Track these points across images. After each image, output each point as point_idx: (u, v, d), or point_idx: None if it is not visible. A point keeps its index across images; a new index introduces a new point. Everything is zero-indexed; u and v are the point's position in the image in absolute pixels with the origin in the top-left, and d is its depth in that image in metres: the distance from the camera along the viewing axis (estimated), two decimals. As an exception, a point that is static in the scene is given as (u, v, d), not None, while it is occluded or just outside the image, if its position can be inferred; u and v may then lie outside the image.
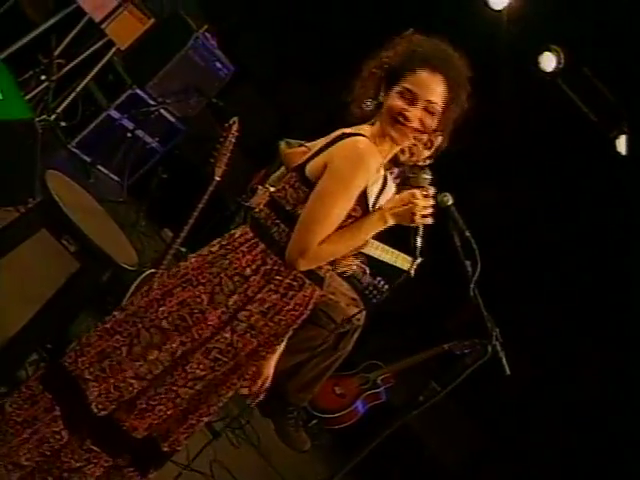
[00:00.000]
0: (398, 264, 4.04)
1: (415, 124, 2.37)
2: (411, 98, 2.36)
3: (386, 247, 3.51)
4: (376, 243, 3.57)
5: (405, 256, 4.02)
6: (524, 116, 6.49)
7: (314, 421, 4.94)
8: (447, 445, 6.23)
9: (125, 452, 2.50)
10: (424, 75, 2.37)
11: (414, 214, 2.35)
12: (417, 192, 2.36)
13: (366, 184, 2.34)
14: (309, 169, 2.35)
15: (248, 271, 2.36)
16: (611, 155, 6.10)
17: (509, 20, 6.17)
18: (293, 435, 3.72)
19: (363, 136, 2.35)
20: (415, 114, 2.36)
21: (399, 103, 2.37)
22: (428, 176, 2.42)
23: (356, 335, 3.75)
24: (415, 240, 2.44)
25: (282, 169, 3.82)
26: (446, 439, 6.21)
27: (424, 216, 2.37)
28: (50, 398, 2.44)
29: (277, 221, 2.38)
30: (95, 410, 2.38)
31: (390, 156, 2.47)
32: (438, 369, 3.63)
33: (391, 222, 2.39)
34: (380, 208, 2.40)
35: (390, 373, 5.13)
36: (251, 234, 2.40)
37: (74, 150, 5.69)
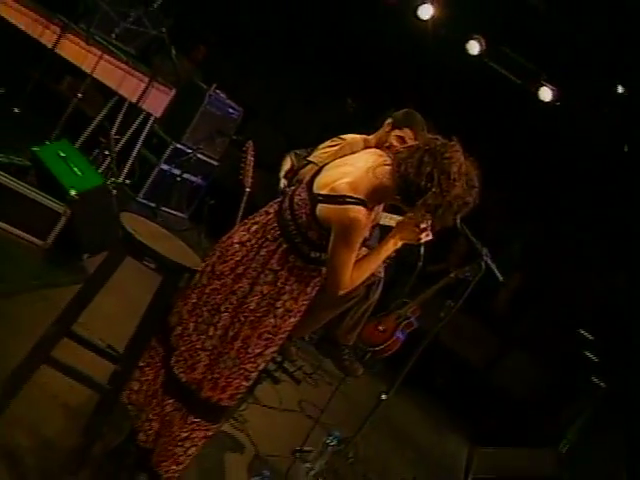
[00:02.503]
0: None
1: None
2: None
3: (394, 216, 3.37)
4: (385, 214, 3.42)
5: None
6: (459, 92, 6.64)
7: (368, 355, 4.89)
8: (471, 348, 6.21)
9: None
10: None
11: (419, 238, 2.40)
12: (421, 223, 2.36)
13: (364, 233, 2.32)
14: (319, 212, 2.28)
15: (276, 266, 2.36)
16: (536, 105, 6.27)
17: (434, 25, 6.26)
18: (349, 366, 3.70)
19: (361, 201, 2.24)
20: None
21: None
22: None
23: (381, 285, 3.65)
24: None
25: (298, 175, 3.70)
26: (469, 344, 6.18)
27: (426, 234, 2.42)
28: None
29: (295, 231, 2.35)
30: (176, 372, 2.42)
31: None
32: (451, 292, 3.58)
33: (400, 244, 2.43)
34: (392, 234, 2.41)
35: (416, 305, 5.07)
36: (278, 232, 2.37)
37: (141, 201, 5.77)
